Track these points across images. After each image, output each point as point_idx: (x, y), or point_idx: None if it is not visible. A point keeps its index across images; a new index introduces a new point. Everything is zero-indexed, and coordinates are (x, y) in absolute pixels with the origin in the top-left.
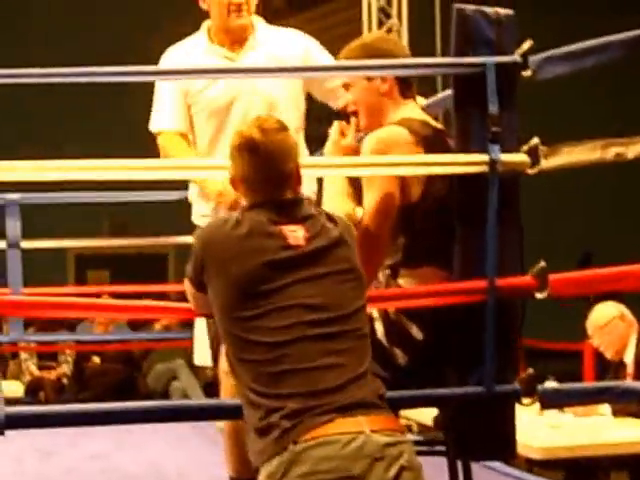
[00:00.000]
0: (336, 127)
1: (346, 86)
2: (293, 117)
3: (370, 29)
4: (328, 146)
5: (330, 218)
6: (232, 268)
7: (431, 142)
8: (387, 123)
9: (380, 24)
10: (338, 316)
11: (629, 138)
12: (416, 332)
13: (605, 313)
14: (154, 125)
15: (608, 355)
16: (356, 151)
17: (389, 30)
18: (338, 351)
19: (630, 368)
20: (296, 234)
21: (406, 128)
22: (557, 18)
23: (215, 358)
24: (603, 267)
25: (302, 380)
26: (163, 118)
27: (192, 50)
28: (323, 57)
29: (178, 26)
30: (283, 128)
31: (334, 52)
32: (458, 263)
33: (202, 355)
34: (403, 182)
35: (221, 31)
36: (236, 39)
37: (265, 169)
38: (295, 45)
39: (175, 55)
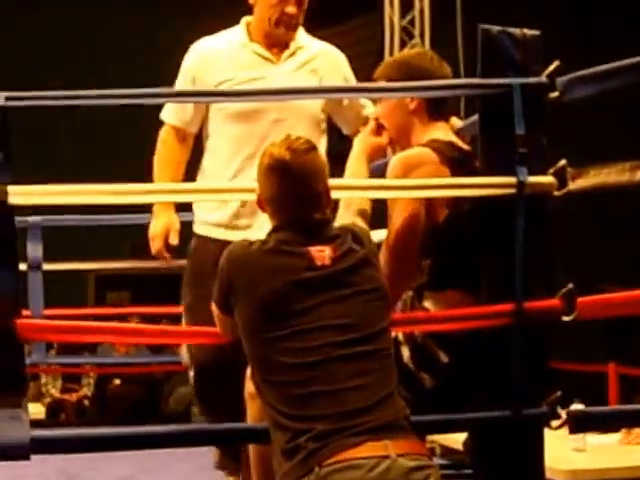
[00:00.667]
0: (371, 125)
1: (378, 99)
2: (314, 133)
3: (392, 48)
4: (357, 141)
5: (356, 238)
6: (258, 289)
7: (458, 164)
8: (414, 143)
9: (402, 44)
10: (365, 336)
11: None
12: (443, 356)
13: None
14: (161, 114)
15: None
16: (383, 151)
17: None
18: (365, 372)
19: None
20: (322, 254)
21: (433, 150)
22: (583, 36)
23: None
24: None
25: (330, 402)
26: (167, 108)
27: (229, 42)
28: (352, 77)
29: None
30: (313, 148)
31: (354, 69)
32: (485, 286)
33: None
34: (429, 203)
35: (263, 33)
36: (278, 44)
37: (295, 190)
38: (332, 60)
39: (209, 45)
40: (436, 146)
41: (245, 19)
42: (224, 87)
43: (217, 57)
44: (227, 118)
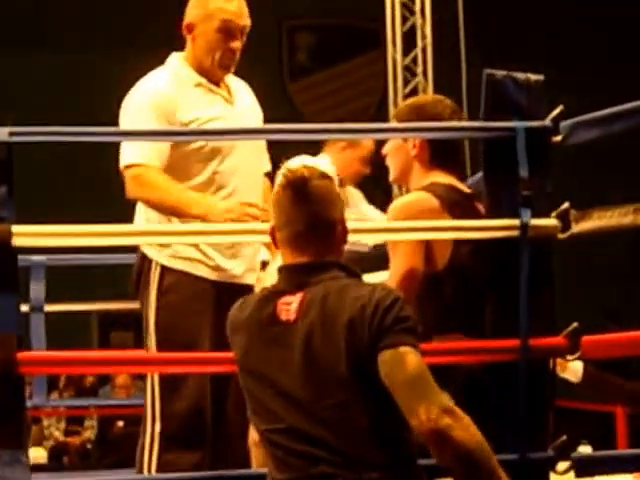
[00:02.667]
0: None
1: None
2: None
3: (395, 86)
4: None
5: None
6: (235, 344)
7: (459, 207)
8: (412, 187)
9: (405, 82)
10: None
11: None
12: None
13: None
14: (131, 158)
15: None
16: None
17: (414, 89)
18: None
19: None
20: (289, 307)
21: (432, 193)
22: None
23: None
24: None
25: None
26: (144, 151)
27: (179, 81)
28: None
29: None
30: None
31: (357, 108)
32: (490, 328)
33: None
34: (428, 250)
35: (202, 70)
36: (216, 80)
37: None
38: (250, 95)
39: (162, 84)
40: (435, 189)
41: (178, 55)
42: (194, 126)
43: (176, 96)
44: (205, 155)
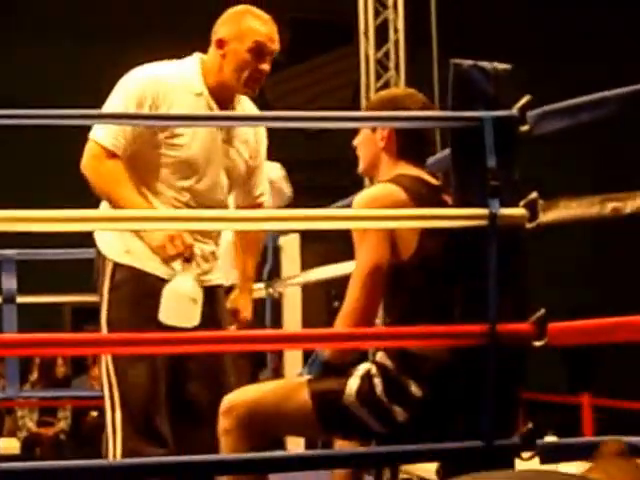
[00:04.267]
0: None
1: (357, 129)
2: (239, 193)
3: (368, 81)
4: None
5: None
6: None
7: (425, 198)
8: (380, 179)
9: (378, 76)
10: None
11: (627, 193)
12: (415, 389)
13: None
14: (100, 133)
15: None
16: None
17: (386, 83)
18: None
19: None
20: None
21: (398, 185)
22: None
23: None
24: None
25: None
26: (116, 131)
27: (183, 84)
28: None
29: None
30: None
31: (330, 102)
32: (458, 317)
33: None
34: (394, 241)
35: (222, 85)
36: (230, 98)
37: None
38: (260, 130)
39: (164, 77)
40: (402, 181)
41: (200, 57)
42: (175, 141)
43: (173, 98)
44: (178, 166)
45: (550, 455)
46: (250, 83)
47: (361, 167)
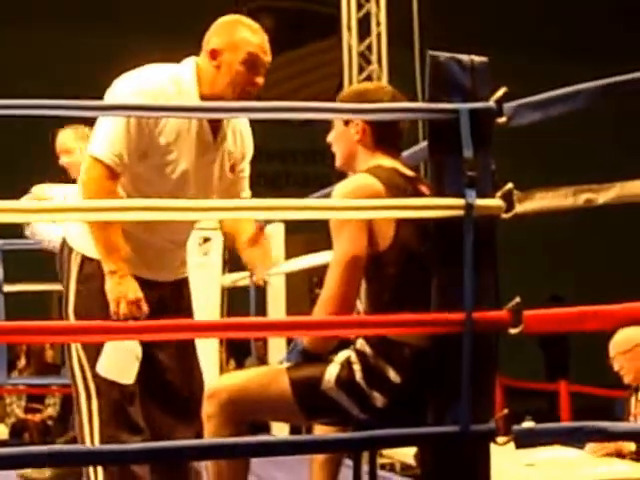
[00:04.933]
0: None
1: (332, 123)
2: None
3: (350, 74)
4: None
5: None
6: None
7: (401, 189)
8: (357, 171)
9: (360, 69)
10: None
11: (599, 185)
12: (393, 375)
13: (632, 338)
14: (98, 151)
15: (627, 380)
16: None
17: (369, 76)
18: None
19: None
20: None
21: (375, 176)
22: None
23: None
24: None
25: None
26: (114, 148)
27: (180, 100)
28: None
29: None
30: None
31: (315, 92)
32: (436, 305)
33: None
34: (371, 232)
35: (215, 95)
36: None
37: None
38: (246, 141)
39: (160, 92)
40: (379, 173)
41: (196, 64)
42: (167, 157)
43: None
44: (162, 175)
45: (525, 440)
46: (245, 96)
47: (338, 162)
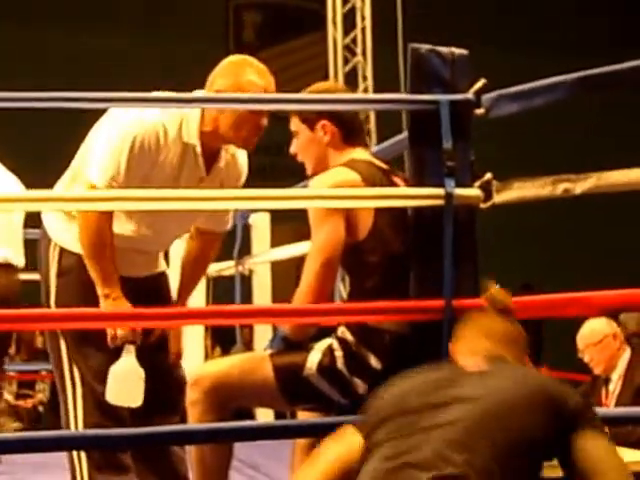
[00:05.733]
0: None
1: (295, 133)
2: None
3: (336, 66)
4: None
5: None
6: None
7: (377, 181)
8: (332, 167)
9: (345, 61)
10: None
11: (577, 175)
12: (375, 362)
13: (599, 330)
14: (98, 180)
15: (597, 371)
16: None
17: (354, 68)
18: None
19: (615, 384)
20: None
21: (351, 169)
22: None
23: None
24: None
25: None
26: (114, 178)
27: (179, 137)
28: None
29: None
30: None
31: (300, 87)
32: (416, 293)
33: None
34: (350, 221)
35: (216, 135)
36: (219, 148)
37: None
38: (239, 165)
39: (163, 137)
40: (354, 165)
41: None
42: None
43: (169, 147)
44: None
45: None
46: (250, 138)
47: (310, 170)
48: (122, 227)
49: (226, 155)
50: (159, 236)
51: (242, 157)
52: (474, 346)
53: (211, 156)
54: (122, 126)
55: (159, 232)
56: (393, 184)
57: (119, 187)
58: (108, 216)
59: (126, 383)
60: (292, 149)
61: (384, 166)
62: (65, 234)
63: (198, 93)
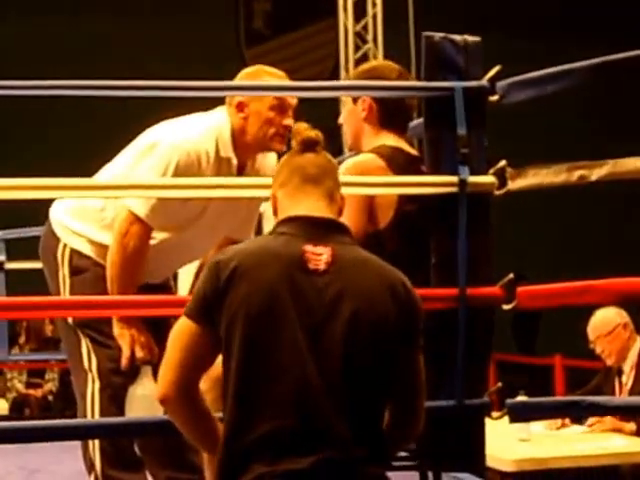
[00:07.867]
0: None
1: (344, 103)
2: None
3: (347, 53)
4: None
5: None
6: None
7: (404, 168)
8: (364, 149)
9: (356, 48)
10: None
11: (593, 162)
12: None
13: (610, 320)
14: (139, 209)
15: (609, 362)
16: None
17: (365, 55)
18: None
19: (627, 376)
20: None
21: (379, 155)
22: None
23: None
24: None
25: None
26: (155, 211)
27: (216, 155)
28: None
29: None
30: None
31: (311, 75)
32: (434, 282)
33: None
34: (372, 209)
35: (246, 145)
36: (252, 155)
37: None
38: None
39: (198, 153)
40: (383, 151)
41: (229, 118)
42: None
43: (205, 167)
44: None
45: (519, 414)
46: (278, 138)
47: (348, 142)
48: (156, 238)
49: (255, 167)
50: (190, 249)
51: (272, 157)
52: (299, 194)
53: (242, 166)
54: (165, 151)
55: (190, 244)
56: (419, 171)
57: (159, 221)
58: (148, 236)
59: (145, 407)
60: (340, 119)
61: (413, 152)
62: (77, 239)
63: (218, 110)
